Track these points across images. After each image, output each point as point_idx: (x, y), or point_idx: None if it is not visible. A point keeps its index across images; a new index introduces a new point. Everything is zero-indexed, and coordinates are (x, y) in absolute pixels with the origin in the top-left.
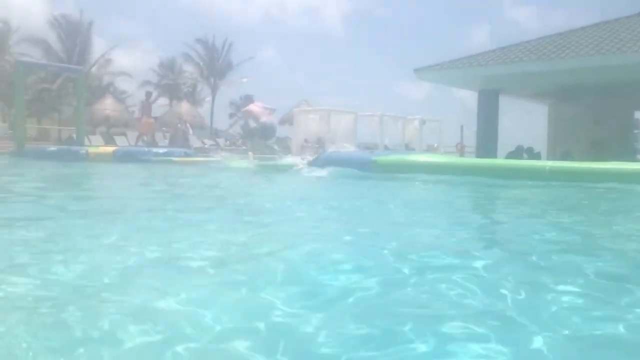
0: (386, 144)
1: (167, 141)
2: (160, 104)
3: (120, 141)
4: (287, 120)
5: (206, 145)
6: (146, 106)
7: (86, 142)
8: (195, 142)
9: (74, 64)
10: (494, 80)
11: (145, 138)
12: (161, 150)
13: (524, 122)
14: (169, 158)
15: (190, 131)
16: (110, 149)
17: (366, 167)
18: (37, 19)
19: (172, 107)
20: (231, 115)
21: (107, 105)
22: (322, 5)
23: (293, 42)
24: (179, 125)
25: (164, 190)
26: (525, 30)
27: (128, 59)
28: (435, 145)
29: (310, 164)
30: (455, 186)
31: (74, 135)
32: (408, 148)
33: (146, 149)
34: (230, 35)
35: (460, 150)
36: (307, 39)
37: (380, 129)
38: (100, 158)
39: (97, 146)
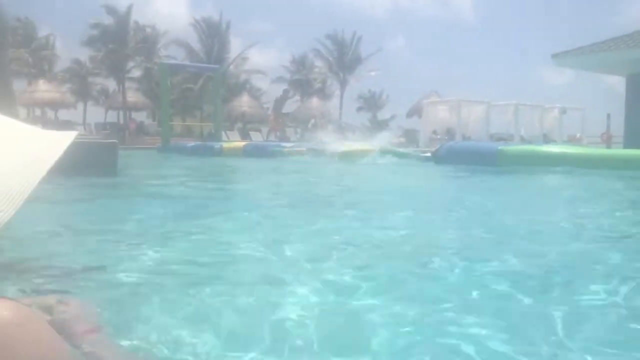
0: (522, 135)
1: (298, 136)
2: (292, 100)
3: (255, 136)
4: (416, 112)
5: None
6: (278, 103)
7: (224, 137)
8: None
9: (213, 64)
10: None
11: (278, 134)
12: (288, 145)
13: None
14: (297, 150)
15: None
16: (240, 144)
17: (491, 158)
18: (181, 23)
19: (303, 103)
20: (359, 109)
21: (243, 102)
22: None
23: (422, 31)
24: (312, 122)
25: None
26: None
27: (262, 57)
28: (578, 135)
29: (433, 155)
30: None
31: (213, 131)
32: (547, 139)
33: (274, 143)
34: (359, 29)
35: (607, 140)
36: (437, 27)
37: (515, 119)
38: (233, 153)
39: (231, 142)
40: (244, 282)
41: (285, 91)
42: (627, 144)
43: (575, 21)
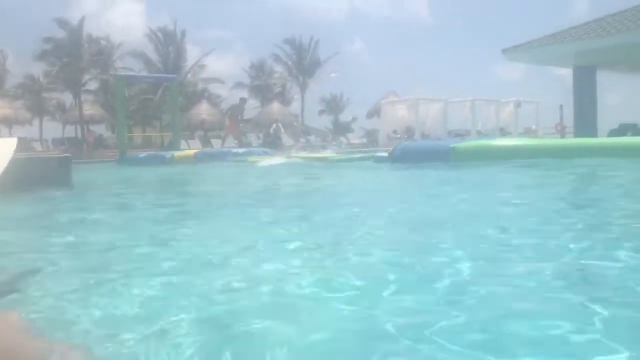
0: (479, 130)
1: (260, 142)
2: (253, 106)
3: (217, 144)
4: (375, 112)
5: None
6: (234, 110)
7: (185, 146)
8: (287, 140)
9: (170, 73)
10: (589, 55)
11: (235, 141)
12: (241, 151)
13: (630, 98)
14: (246, 158)
15: (282, 130)
16: (192, 152)
17: (445, 156)
18: (136, 33)
19: (264, 108)
20: (320, 112)
21: (202, 110)
22: None
23: (379, 33)
24: (273, 126)
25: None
26: None
27: (221, 64)
28: (533, 127)
29: (389, 155)
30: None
31: (172, 140)
32: (503, 133)
33: (225, 150)
34: (316, 33)
35: (560, 131)
36: (393, 29)
37: (472, 115)
38: (184, 161)
39: (182, 150)
40: (183, 291)
41: (242, 99)
42: (577, 133)
43: (529, 16)
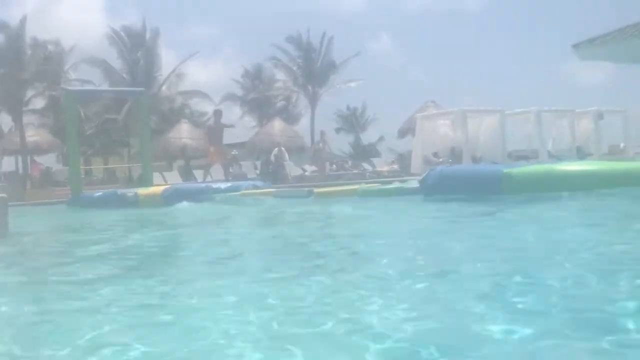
0: (549, 150)
1: (257, 171)
2: (249, 125)
3: (202, 176)
4: (409, 129)
5: (307, 173)
6: (215, 130)
7: (159, 180)
8: (293, 169)
9: (140, 85)
10: None
11: (231, 169)
12: (223, 186)
13: None
14: (233, 193)
15: (287, 157)
16: (159, 189)
17: (494, 185)
18: (94, 35)
19: (263, 128)
20: (337, 131)
21: (183, 133)
22: None
23: (412, 27)
24: (275, 152)
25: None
26: None
27: (205, 71)
28: (622, 145)
29: (420, 185)
30: None
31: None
32: (582, 153)
33: (203, 185)
34: (329, 28)
35: None
36: (430, 21)
37: (538, 131)
38: (151, 201)
39: (148, 187)
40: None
41: (217, 112)
42: None
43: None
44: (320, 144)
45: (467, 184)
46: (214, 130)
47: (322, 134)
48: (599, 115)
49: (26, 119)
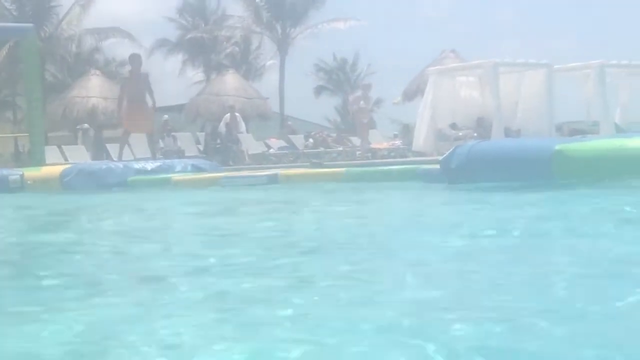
0: (617, 122)
1: (201, 147)
2: (191, 81)
3: (117, 151)
4: (420, 89)
5: (271, 150)
6: (132, 81)
7: (56, 156)
8: (252, 144)
9: (28, 20)
10: None
11: (161, 143)
12: (149, 166)
13: None
14: (162, 177)
15: (243, 126)
16: (57, 169)
17: (541, 168)
18: None
19: (210, 84)
20: (317, 91)
21: (92, 89)
22: None
23: None
24: (226, 118)
25: None
26: None
27: (127, 3)
28: None
29: (442, 169)
30: None
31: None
32: None
33: (120, 165)
34: None
35: None
36: None
37: (600, 94)
38: (43, 185)
39: (43, 166)
40: None
41: (134, 56)
42: None
43: None
44: (362, 102)
45: (505, 166)
46: (132, 82)
47: (366, 87)
48: None
49: None
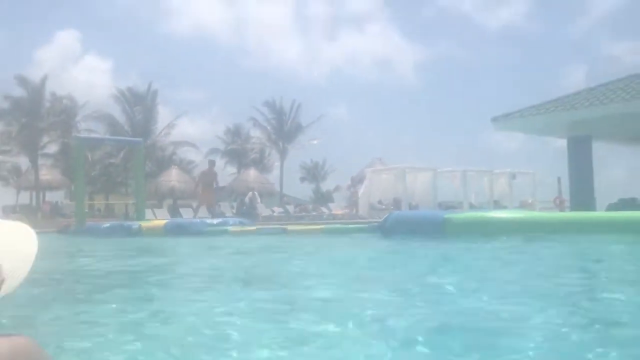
0: (472, 202)
1: (234, 211)
2: (228, 172)
3: (187, 213)
4: (360, 181)
5: (274, 214)
6: (206, 175)
7: (150, 215)
8: (264, 210)
9: (139, 136)
10: (584, 125)
11: (211, 209)
12: (215, 221)
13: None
14: (223, 228)
15: (259, 200)
16: (162, 222)
17: (438, 227)
18: (103, 92)
19: (240, 175)
20: (302, 180)
21: (172, 177)
22: (394, 55)
23: (365, 97)
24: (249, 195)
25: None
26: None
27: (194, 127)
28: (530, 200)
29: (380, 227)
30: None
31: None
32: (498, 206)
33: (198, 221)
34: (298, 96)
35: (560, 205)
36: (379, 93)
37: (463, 186)
38: (153, 232)
39: (150, 220)
40: None
41: (211, 162)
42: (574, 207)
43: (521, 84)
44: (352, 189)
45: (416, 227)
46: (207, 175)
47: (353, 180)
48: (512, 176)
49: (41, 161)
